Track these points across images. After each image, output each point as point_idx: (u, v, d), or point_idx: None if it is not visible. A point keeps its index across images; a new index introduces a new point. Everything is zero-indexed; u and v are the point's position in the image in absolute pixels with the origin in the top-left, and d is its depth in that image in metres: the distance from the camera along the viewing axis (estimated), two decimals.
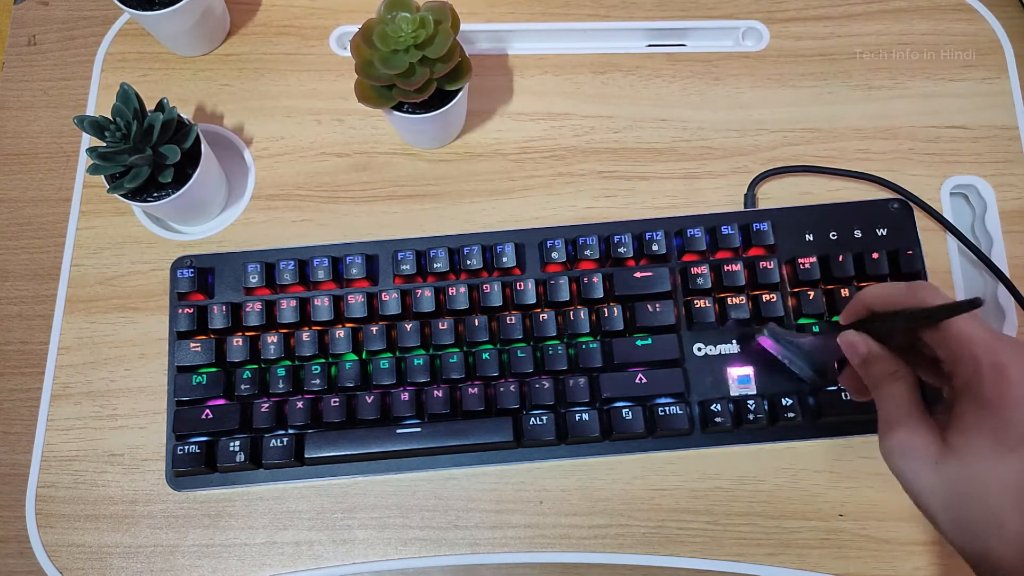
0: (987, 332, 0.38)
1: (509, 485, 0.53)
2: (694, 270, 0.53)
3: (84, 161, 0.61)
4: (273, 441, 0.51)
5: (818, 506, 0.52)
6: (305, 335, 0.53)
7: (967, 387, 0.37)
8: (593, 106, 0.61)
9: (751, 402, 0.51)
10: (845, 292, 0.53)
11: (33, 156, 0.61)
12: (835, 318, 0.53)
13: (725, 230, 0.54)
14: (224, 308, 0.53)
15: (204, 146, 0.54)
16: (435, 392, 0.52)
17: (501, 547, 0.52)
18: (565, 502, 0.52)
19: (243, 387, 0.52)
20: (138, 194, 0.53)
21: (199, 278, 0.54)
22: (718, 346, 0.53)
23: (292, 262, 0.54)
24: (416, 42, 0.50)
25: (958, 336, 0.38)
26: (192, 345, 0.53)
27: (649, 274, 0.53)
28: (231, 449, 0.51)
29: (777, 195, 0.58)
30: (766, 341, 0.50)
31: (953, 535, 0.36)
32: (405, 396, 0.52)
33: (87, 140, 0.61)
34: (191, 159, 0.53)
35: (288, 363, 0.53)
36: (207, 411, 0.52)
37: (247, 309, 0.53)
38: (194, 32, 0.60)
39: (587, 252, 0.54)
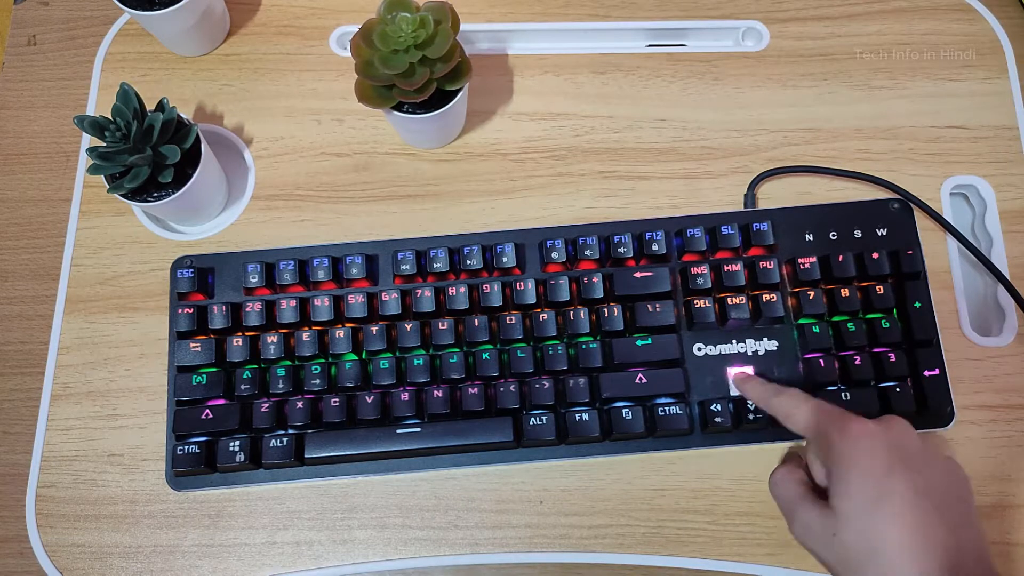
0: (828, 408, 0.45)
1: (509, 485, 0.53)
2: (694, 270, 0.53)
3: (84, 161, 0.61)
4: (273, 441, 0.51)
5: None
6: (305, 335, 0.53)
7: (828, 458, 0.43)
8: (593, 106, 0.61)
9: (751, 402, 0.51)
10: (845, 292, 0.53)
11: (33, 156, 0.61)
12: (836, 317, 0.53)
13: (725, 230, 0.54)
14: (224, 308, 0.53)
15: (204, 146, 0.54)
16: (435, 392, 0.52)
17: (501, 547, 0.52)
18: (565, 502, 0.52)
19: (243, 387, 0.52)
20: (138, 194, 0.53)
21: (199, 278, 0.54)
22: (718, 346, 0.53)
23: (292, 262, 0.54)
24: (416, 42, 0.50)
25: (806, 423, 0.46)
26: (192, 345, 0.53)
27: (649, 274, 0.53)
28: (231, 449, 0.51)
29: (777, 195, 0.58)
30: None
31: None
32: (405, 396, 0.52)
33: (87, 140, 0.61)
34: (191, 159, 0.53)
35: (288, 363, 0.53)
36: (207, 411, 0.52)
37: (247, 309, 0.53)
38: (194, 32, 0.60)
39: (587, 252, 0.54)
